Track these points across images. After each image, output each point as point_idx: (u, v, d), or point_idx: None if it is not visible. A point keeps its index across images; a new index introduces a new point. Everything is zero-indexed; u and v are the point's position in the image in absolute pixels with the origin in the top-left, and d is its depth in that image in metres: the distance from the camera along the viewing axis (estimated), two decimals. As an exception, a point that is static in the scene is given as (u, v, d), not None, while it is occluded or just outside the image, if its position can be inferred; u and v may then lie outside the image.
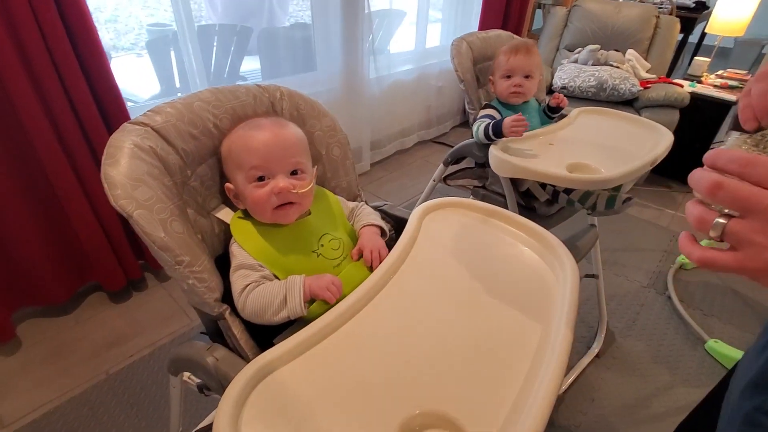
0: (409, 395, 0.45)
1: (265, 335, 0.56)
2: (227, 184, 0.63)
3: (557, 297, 0.57)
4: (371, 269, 0.60)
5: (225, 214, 0.64)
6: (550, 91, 2.30)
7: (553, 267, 0.62)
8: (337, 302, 0.55)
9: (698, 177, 0.29)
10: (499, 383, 0.47)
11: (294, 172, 0.61)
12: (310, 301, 0.55)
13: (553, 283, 0.60)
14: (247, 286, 0.55)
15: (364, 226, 0.68)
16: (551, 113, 1.15)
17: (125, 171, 0.49)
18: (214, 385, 0.53)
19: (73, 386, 1.20)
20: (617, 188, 1.07)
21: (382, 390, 0.46)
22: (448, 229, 0.70)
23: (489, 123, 1.01)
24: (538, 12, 3.50)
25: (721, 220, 0.28)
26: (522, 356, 0.49)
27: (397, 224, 0.75)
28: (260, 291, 0.55)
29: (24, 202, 1.21)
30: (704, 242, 0.32)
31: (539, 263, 0.64)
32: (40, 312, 1.41)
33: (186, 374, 0.64)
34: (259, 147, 0.59)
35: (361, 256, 0.63)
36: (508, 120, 0.96)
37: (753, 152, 0.31)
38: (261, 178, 0.59)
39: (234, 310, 0.56)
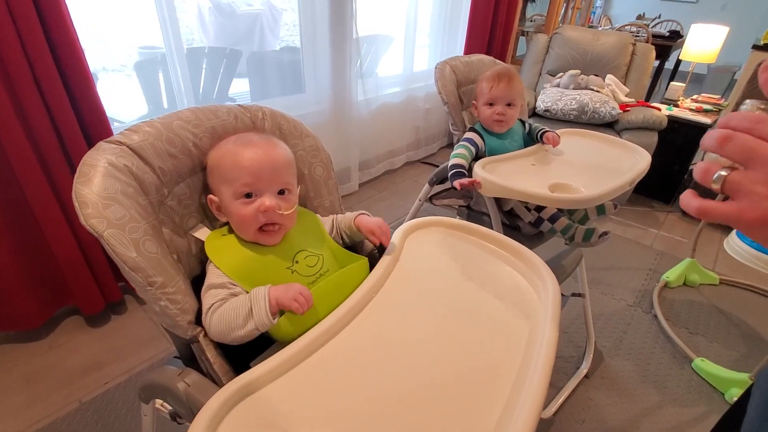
0: (390, 417, 0.44)
1: (241, 359, 0.54)
2: (210, 196, 0.62)
3: (539, 316, 0.56)
4: (383, 246, 0.66)
5: (202, 234, 0.63)
6: (534, 113, 2.37)
7: (535, 285, 0.62)
8: (318, 320, 0.54)
9: (710, 133, 0.31)
10: (482, 404, 0.46)
11: (281, 192, 0.61)
12: (280, 312, 0.53)
13: (535, 302, 0.59)
14: (213, 305, 0.54)
15: (357, 216, 0.70)
16: (541, 141, 1.15)
17: (98, 189, 0.48)
18: (184, 413, 0.51)
19: (42, 416, 1.14)
20: (583, 218, 1.12)
21: (362, 413, 0.45)
22: (431, 248, 0.70)
23: (457, 170, 1.03)
24: (522, 39, 3.65)
25: (723, 172, 0.30)
26: (505, 377, 0.49)
27: (380, 244, 0.75)
28: (225, 307, 0.53)
29: (-1, 223, 1.18)
30: None
31: (521, 282, 0.64)
32: (11, 337, 1.35)
33: (158, 401, 0.61)
34: (249, 165, 0.59)
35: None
36: (465, 182, 0.98)
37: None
38: (248, 195, 0.59)
39: (208, 333, 0.54)
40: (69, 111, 1.15)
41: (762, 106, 0.29)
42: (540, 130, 1.16)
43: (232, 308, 0.52)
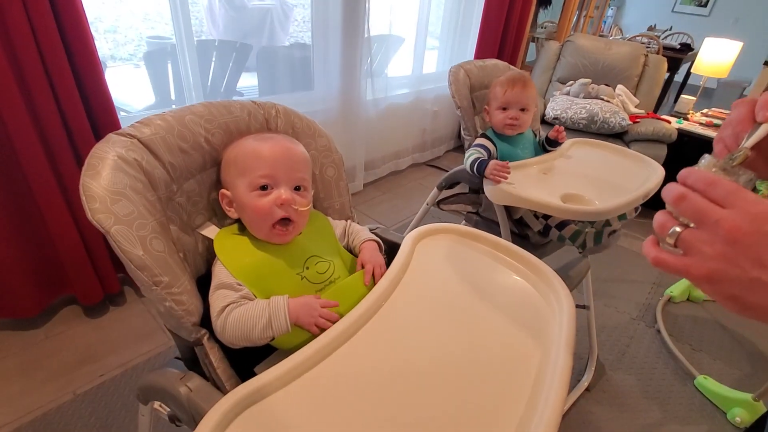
0: (403, 425, 0.43)
1: (245, 363, 0.52)
2: (222, 190, 0.61)
3: (553, 325, 0.55)
4: (374, 283, 0.60)
5: (211, 232, 0.61)
6: (543, 121, 2.35)
7: (546, 297, 0.61)
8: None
9: (670, 188, 0.34)
10: (499, 411, 0.45)
11: (297, 188, 0.61)
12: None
13: (547, 313, 0.58)
14: (226, 307, 0.52)
15: (365, 242, 0.68)
16: (549, 146, 1.15)
17: (106, 183, 0.46)
18: (185, 418, 0.49)
19: (35, 406, 1.12)
20: (604, 223, 1.10)
21: (375, 420, 0.43)
22: (441, 255, 0.68)
23: (478, 159, 1.01)
24: (532, 45, 3.63)
25: (678, 229, 0.33)
26: (521, 383, 0.48)
27: (390, 249, 0.73)
28: (241, 314, 0.52)
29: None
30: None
31: (533, 293, 0.62)
32: (7, 324, 1.34)
33: (157, 402, 0.60)
34: (268, 155, 0.59)
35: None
36: (493, 164, 0.96)
37: (719, 175, 0.35)
38: (264, 188, 0.58)
39: (213, 336, 0.53)
40: (77, 98, 1.14)
41: (718, 165, 0.31)
42: (546, 136, 1.15)
43: (250, 316, 0.51)
